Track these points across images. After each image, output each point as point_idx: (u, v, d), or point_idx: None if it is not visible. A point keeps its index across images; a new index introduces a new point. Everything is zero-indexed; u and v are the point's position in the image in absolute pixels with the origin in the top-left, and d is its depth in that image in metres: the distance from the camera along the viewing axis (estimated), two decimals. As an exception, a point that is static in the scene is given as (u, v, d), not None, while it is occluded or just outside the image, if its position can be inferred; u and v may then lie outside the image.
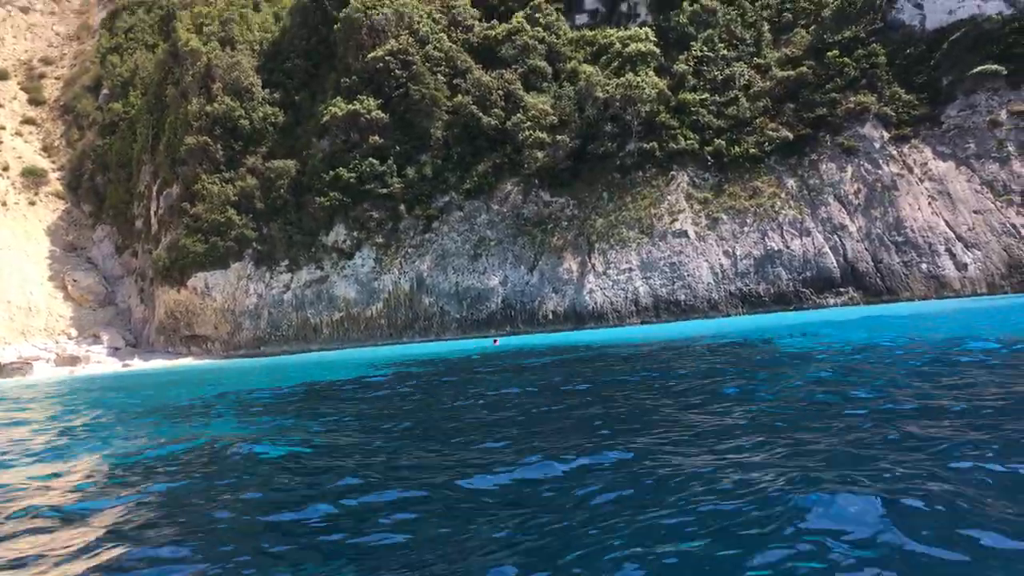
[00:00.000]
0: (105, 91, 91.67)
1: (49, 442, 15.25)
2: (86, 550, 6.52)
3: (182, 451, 12.04)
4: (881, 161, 53.72)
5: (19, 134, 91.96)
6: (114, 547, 6.54)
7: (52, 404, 28.04)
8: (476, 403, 16.28)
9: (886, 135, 54.48)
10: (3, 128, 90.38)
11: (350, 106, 62.84)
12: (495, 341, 48.40)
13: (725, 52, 60.32)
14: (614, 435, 10.10)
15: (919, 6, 56.15)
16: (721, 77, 59.46)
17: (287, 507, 7.67)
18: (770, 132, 56.52)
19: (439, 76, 63.50)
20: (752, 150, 56.46)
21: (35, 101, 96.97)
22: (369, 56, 63.66)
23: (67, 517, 7.85)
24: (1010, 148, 51.20)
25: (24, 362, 59.54)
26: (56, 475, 10.80)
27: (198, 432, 15.16)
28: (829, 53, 56.41)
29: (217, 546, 6.51)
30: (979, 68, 52.22)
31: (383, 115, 62.79)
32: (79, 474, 10.78)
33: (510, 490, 7.60)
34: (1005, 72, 51.83)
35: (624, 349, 30.49)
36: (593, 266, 56.83)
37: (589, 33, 65.32)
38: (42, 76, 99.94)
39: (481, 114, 61.49)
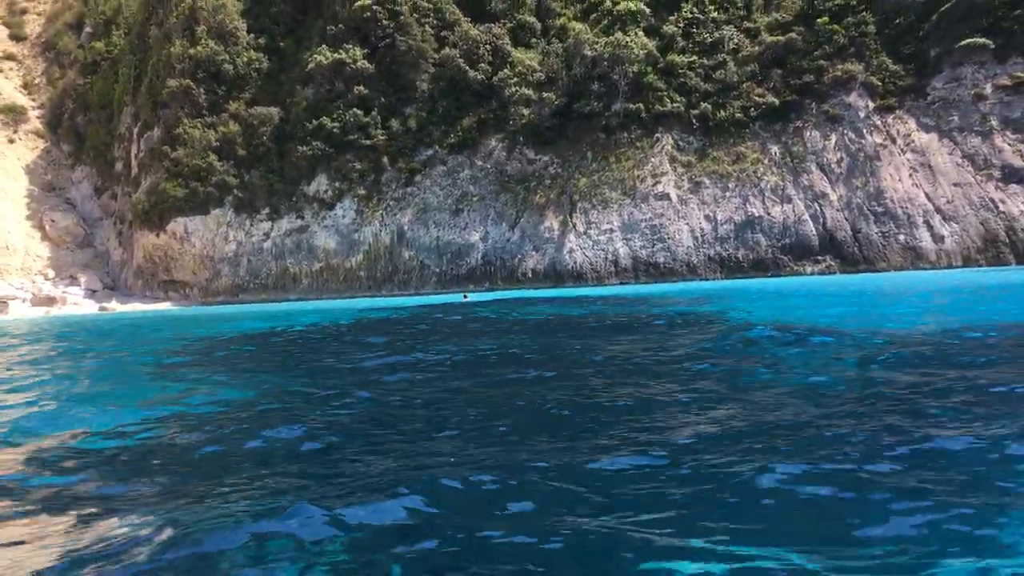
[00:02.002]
0: (88, 29, 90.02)
1: None
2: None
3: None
4: (865, 131, 53.82)
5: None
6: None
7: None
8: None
9: (871, 104, 54.53)
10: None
11: (335, 55, 62.11)
12: (465, 296, 48.45)
13: (715, 15, 60.00)
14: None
15: (911, -25, 55.86)
16: (710, 40, 59.20)
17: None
18: (756, 97, 56.49)
19: (426, 28, 62.77)
20: (738, 115, 56.46)
21: (16, 37, 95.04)
22: (356, 4, 62.75)
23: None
24: (993, 122, 51.40)
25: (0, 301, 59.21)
26: None
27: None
28: (819, 19, 56.21)
29: None
30: (967, 41, 52.22)
31: (368, 65, 62.12)
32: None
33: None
34: (992, 46, 51.90)
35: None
36: (574, 225, 56.85)
37: (580, -11, 64.68)
38: (24, 11, 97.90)
39: (468, 68, 60.98)
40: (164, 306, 62.24)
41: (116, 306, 61.80)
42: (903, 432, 6.42)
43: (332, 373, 12.99)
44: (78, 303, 63.40)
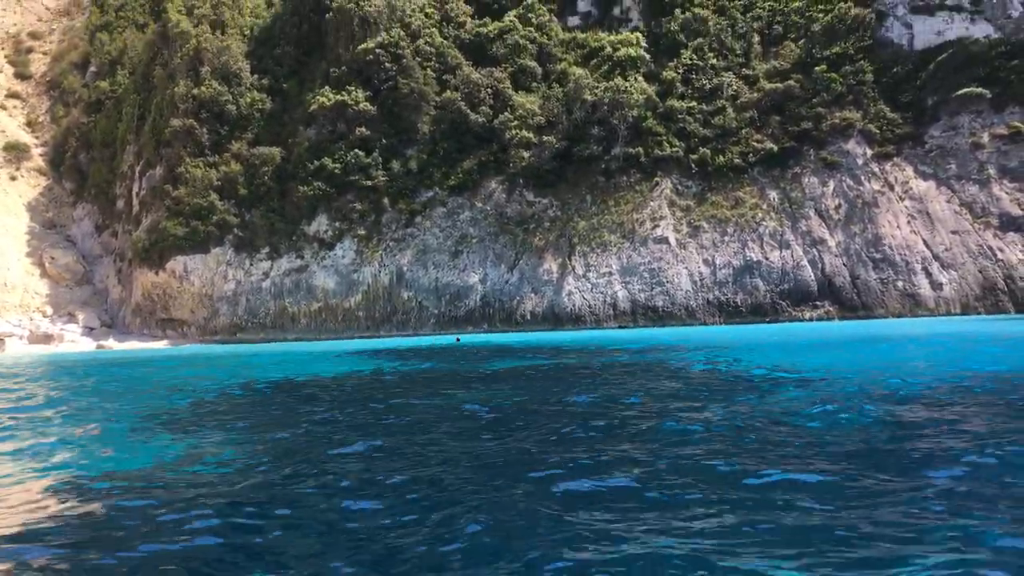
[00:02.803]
0: (92, 68, 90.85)
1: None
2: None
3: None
4: (863, 177, 54.16)
5: (3, 107, 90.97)
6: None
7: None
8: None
9: (869, 152, 54.95)
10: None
11: (338, 96, 62.66)
12: (457, 340, 48.45)
13: (714, 61, 60.64)
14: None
15: (908, 25, 56.64)
16: (709, 86, 59.80)
17: None
18: (755, 143, 56.95)
19: (429, 71, 63.44)
20: (736, 160, 56.86)
21: (21, 75, 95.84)
22: (359, 47, 63.48)
23: None
24: (991, 171, 51.77)
25: (-3, 338, 59.01)
26: None
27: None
28: (817, 68, 56.85)
29: None
30: (964, 90, 52.82)
31: (371, 107, 62.65)
32: None
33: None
34: (989, 95, 52.50)
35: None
36: (573, 268, 56.94)
37: (581, 35, 65.50)
38: (30, 50, 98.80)
39: (469, 111, 61.50)
40: (161, 344, 62.04)
41: (113, 344, 61.62)
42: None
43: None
44: (75, 341, 63.20)
